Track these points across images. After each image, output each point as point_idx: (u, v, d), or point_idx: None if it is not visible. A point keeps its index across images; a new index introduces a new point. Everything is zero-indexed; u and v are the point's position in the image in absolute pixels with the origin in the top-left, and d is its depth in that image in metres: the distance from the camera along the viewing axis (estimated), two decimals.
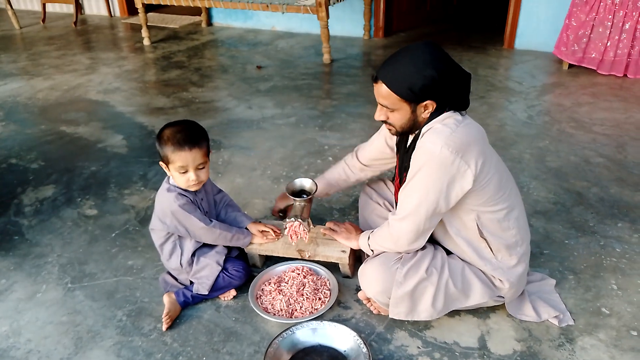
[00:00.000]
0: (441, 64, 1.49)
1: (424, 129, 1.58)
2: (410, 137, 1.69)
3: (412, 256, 1.68)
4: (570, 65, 4.30)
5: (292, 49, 5.16)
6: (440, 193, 1.53)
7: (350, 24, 5.49)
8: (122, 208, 2.53)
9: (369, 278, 1.71)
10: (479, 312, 1.82)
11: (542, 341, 1.72)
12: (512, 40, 4.92)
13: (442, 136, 1.50)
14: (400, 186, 1.66)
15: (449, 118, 1.55)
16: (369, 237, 1.79)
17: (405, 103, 1.54)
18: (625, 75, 4.05)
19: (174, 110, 3.71)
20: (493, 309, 1.83)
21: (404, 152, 1.70)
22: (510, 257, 1.68)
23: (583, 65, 4.16)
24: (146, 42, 5.40)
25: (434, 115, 1.56)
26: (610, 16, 3.88)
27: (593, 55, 4.07)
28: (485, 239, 1.65)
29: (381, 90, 1.56)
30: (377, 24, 5.41)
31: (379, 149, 1.93)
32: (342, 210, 2.46)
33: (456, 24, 6.01)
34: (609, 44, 3.97)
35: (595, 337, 1.73)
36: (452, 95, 1.54)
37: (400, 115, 1.58)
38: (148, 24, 5.46)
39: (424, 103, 1.54)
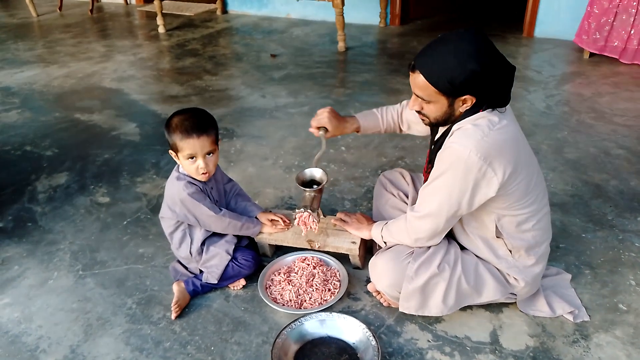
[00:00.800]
0: (486, 57, 1.37)
1: (454, 127, 1.50)
2: (440, 130, 1.61)
3: (424, 251, 1.64)
4: (592, 54, 4.18)
5: (307, 37, 5.12)
6: (463, 197, 1.48)
7: (366, 11, 5.42)
8: (134, 196, 2.54)
9: (380, 271, 1.68)
10: (491, 306, 1.79)
11: (556, 337, 1.68)
12: (532, 29, 4.81)
13: (472, 139, 1.42)
14: (426, 179, 1.60)
15: (482, 118, 1.46)
16: (382, 229, 1.76)
17: (443, 96, 1.44)
18: None
19: (187, 98, 3.70)
20: (506, 303, 1.79)
21: (432, 146, 1.64)
22: (528, 257, 1.64)
23: (605, 54, 4.05)
24: (161, 29, 5.40)
25: (469, 111, 1.47)
26: (634, 3, 3.76)
27: (615, 43, 3.96)
28: (502, 239, 1.61)
29: (418, 81, 1.44)
30: (393, 11, 5.34)
31: (417, 117, 1.74)
32: (354, 201, 2.43)
33: (474, 11, 5.89)
34: (632, 32, 3.85)
35: (611, 333, 1.69)
36: (494, 90, 1.44)
37: (436, 107, 1.49)
38: (163, 11, 5.45)
39: (463, 97, 1.43)
